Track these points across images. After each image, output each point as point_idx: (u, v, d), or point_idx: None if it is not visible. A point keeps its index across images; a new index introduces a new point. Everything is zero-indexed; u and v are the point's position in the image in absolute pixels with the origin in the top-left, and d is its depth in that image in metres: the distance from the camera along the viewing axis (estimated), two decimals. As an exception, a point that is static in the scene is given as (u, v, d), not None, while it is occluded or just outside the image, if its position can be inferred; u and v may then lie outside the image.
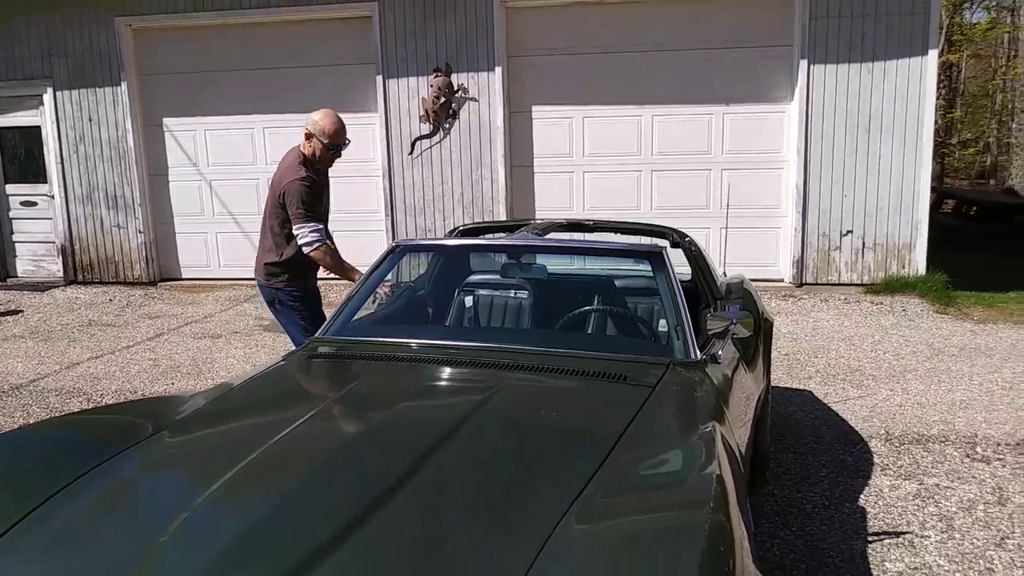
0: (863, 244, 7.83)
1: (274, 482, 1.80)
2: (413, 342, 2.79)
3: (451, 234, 4.04)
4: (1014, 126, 13.97)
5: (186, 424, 2.23)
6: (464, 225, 4.14)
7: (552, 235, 3.60)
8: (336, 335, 2.90)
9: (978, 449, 4.07)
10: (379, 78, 8.16)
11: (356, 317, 3.04)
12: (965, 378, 5.28)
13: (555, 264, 3.58)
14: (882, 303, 7.41)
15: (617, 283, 3.48)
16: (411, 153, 8.29)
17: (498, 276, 3.60)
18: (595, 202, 8.18)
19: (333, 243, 3.94)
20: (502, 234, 3.89)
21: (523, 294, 3.62)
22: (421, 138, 8.22)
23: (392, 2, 8.03)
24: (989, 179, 20.07)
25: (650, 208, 8.12)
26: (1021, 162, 13.34)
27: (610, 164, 8.15)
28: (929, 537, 3.19)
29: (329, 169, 4.04)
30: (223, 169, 8.80)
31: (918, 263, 7.79)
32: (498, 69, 7.97)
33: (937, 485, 3.66)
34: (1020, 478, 3.73)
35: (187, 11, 8.40)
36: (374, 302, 3.41)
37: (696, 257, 3.61)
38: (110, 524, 1.73)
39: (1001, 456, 3.98)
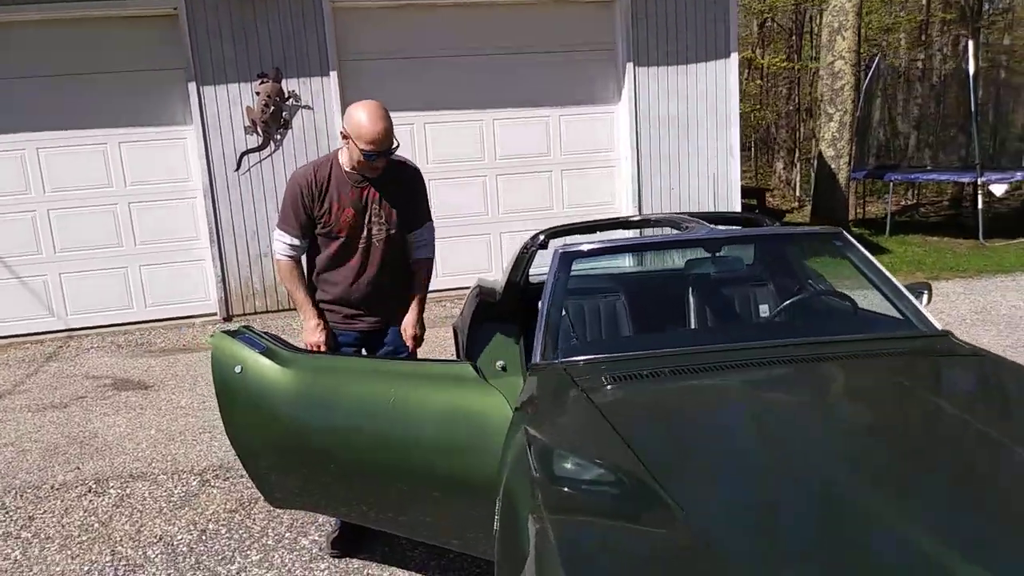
0: (689, 231, 8.53)
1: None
2: (674, 351, 2.45)
3: (535, 240, 3.65)
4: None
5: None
6: (545, 230, 3.75)
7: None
8: (568, 357, 2.47)
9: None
10: (192, 85, 7.09)
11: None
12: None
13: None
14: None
15: (768, 271, 3.44)
16: (237, 170, 7.32)
17: (599, 282, 3.47)
18: (442, 210, 7.87)
19: (298, 261, 3.12)
20: (636, 230, 3.68)
21: (614, 296, 3.49)
22: (249, 151, 7.31)
23: (201, -1, 7.04)
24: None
25: (497, 211, 8.09)
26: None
27: (455, 170, 7.95)
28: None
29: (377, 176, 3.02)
30: (-19, 202, 7.03)
31: (732, 244, 8.68)
32: (332, 74, 7.37)
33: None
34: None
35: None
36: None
37: None
38: None
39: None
